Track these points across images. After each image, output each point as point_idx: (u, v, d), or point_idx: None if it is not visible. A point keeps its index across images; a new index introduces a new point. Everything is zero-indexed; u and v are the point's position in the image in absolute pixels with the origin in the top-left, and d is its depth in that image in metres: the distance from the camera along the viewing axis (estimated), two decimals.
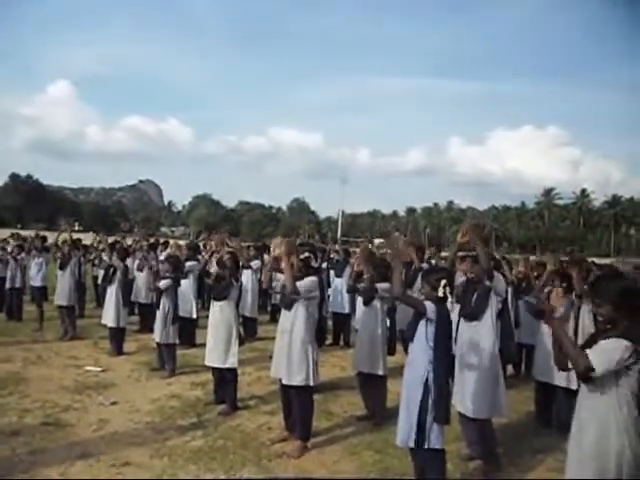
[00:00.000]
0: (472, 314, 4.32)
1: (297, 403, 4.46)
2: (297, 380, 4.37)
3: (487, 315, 4.27)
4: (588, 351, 2.46)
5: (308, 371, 4.38)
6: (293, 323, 4.43)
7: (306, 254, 4.51)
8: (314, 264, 4.55)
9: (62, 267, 8.74)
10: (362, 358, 5.20)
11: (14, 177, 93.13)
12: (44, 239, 10.39)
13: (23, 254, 10.07)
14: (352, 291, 6.07)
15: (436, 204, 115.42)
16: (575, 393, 5.08)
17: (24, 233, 12.91)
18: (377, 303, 5.18)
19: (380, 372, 5.11)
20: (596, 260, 12.53)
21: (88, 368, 6.70)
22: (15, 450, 4.21)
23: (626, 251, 78.03)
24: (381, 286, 5.06)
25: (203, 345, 7.78)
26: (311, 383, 4.42)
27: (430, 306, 3.37)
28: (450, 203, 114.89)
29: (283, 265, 4.29)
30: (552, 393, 5.22)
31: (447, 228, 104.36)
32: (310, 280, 4.42)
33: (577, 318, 5.45)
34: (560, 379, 5.05)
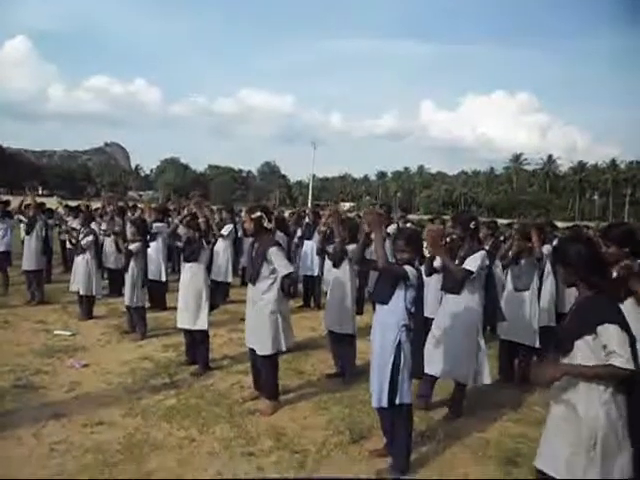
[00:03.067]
0: (451, 289, 4.50)
1: (263, 366, 4.54)
2: (266, 349, 4.43)
3: (467, 288, 4.41)
4: None
5: (277, 339, 4.44)
6: (260, 295, 4.46)
7: (258, 214, 4.48)
8: (267, 225, 4.52)
9: (28, 232, 8.55)
10: (332, 318, 5.31)
11: None
12: (6, 204, 10.11)
13: None
14: (321, 253, 6.13)
15: (407, 168, 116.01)
16: (536, 350, 5.39)
17: None
18: (347, 265, 5.26)
19: (350, 331, 5.24)
20: (561, 224, 12.92)
21: (57, 332, 6.66)
22: None
23: (589, 215, 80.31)
24: (351, 248, 5.13)
25: (174, 308, 7.81)
26: (282, 348, 4.50)
27: (411, 271, 3.42)
28: (421, 168, 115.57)
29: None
30: (515, 350, 5.46)
31: (417, 192, 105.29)
32: (276, 252, 4.39)
33: (541, 279, 5.68)
34: (524, 337, 5.30)
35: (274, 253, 4.37)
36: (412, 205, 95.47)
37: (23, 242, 8.66)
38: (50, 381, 4.98)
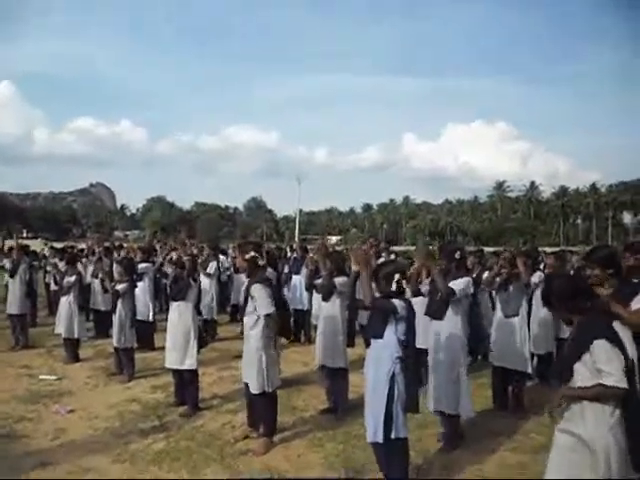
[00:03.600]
0: (434, 313, 4.54)
1: (259, 404, 4.48)
2: (254, 387, 4.40)
3: (450, 314, 4.45)
4: None
5: (262, 378, 4.37)
6: (249, 331, 4.46)
7: (252, 253, 4.49)
8: (260, 262, 4.54)
9: (12, 274, 8.43)
10: (325, 352, 5.25)
11: None
12: None
13: None
14: (310, 288, 6.12)
15: (392, 200, 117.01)
16: (529, 376, 5.37)
17: None
18: (336, 298, 5.24)
19: (342, 365, 5.18)
20: (547, 249, 13.05)
21: (42, 377, 6.51)
22: None
23: (573, 240, 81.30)
24: (339, 280, 5.13)
25: (162, 348, 7.70)
26: (267, 389, 4.41)
27: (400, 304, 3.43)
28: (406, 198, 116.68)
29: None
30: (508, 377, 5.42)
31: (404, 223, 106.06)
32: (256, 283, 4.40)
33: (530, 304, 5.72)
34: (516, 363, 5.28)
35: (257, 290, 4.37)
36: (398, 236, 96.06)
37: (7, 285, 8.53)
38: (34, 428, 4.84)
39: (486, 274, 6.13)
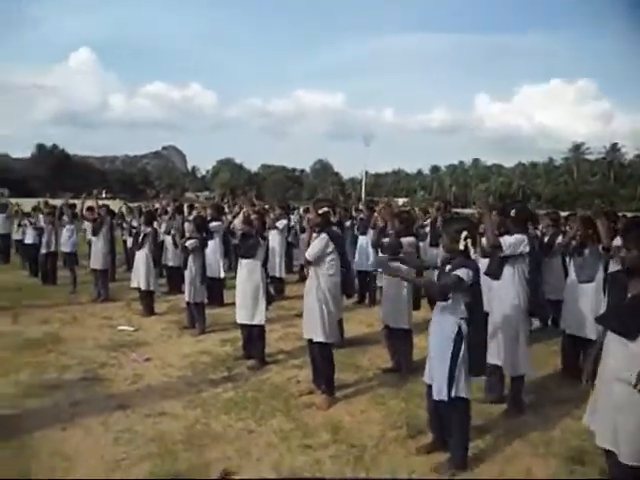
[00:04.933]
0: (493, 272, 4.43)
1: (319, 358, 4.58)
2: (315, 336, 4.48)
3: (507, 274, 4.33)
4: None
5: (324, 329, 4.44)
6: (311, 284, 4.52)
7: (325, 209, 4.50)
8: (333, 219, 4.54)
9: (95, 233, 8.96)
10: (388, 313, 5.26)
11: (40, 148, 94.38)
12: (73, 207, 10.62)
13: (55, 221, 10.31)
14: (376, 246, 6.08)
15: (461, 162, 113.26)
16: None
17: (53, 202, 13.16)
18: None
19: (405, 326, 5.18)
20: (628, 214, 12.24)
21: (121, 328, 6.94)
22: (57, 403, 4.44)
23: None
24: (406, 240, 5.07)
25: (231, 304, 7.97)
26: (328, 340, 4.49)
27: (465, 273, 3.32)
28: (476, 160, 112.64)
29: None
30: (580, 345, 5.22)
31: (473, 186, 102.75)
32: (317, 242, 4.42)
33: (606, 271, 5.41)
34: (587, 331, 5.06)
35: (318, 239, 4.41)
36: (467, 199, 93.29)
37: (89, 243, 9.06)
38: (115, 374, 5.20)
39: (560, 238, 5.86)
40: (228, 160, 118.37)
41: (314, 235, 4.53)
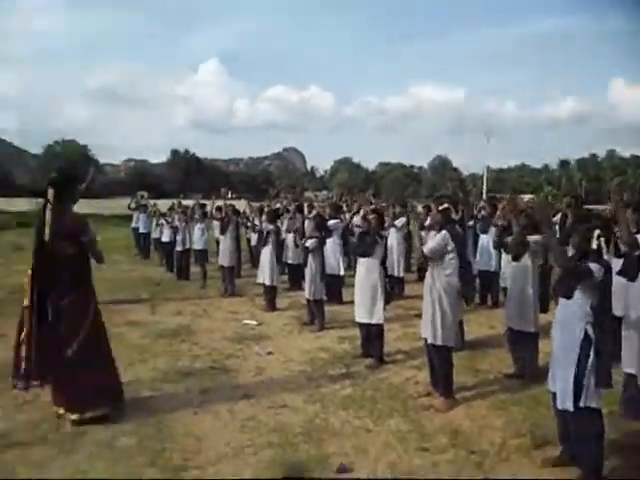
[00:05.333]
0: (629, 275, 4.02)
1: (436, 360, 4.48)
2: (431, 338, 4.40)
3: None
4: None
5: (440, 330, 4.36)
6: (428, 283, 4.43)
7: (445, 205, 4.39)
8: (454, 216, 4.42)
9: (223, 231, 9.55)
10: (512, 314, 5.01)
11: (174, 153, 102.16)
12: (204, 207, 11.37)
13: (188, 220, 11.13)
14: (498, 246, 5.82)
15: (594, 154, 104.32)
16: None
17: (185, 202, 14.19)
18: (527, 257, 4.92)
19: (531, 329, 4.90)
20: None
21: (246, 322, 7.32)
22: (189, 389, 4.79)
23: None
24: (532, 239, 4.79)
25: (349, 302, 8.05)
26: (443, 343, 4.38)
27: (596, 268, 3.12)
28: (610, 152, 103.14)
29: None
30: None
31: (607, 180, 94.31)
32: (438, 238, 4.32)
33: None
34: None
35: (439, 236, 4.32)
36: (601, 194, 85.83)
37: (217, 241, 9.67)
38: (240, 365, 5.49)
39: None
40: (346, 159, 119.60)
41: (431, 233, 4.45)
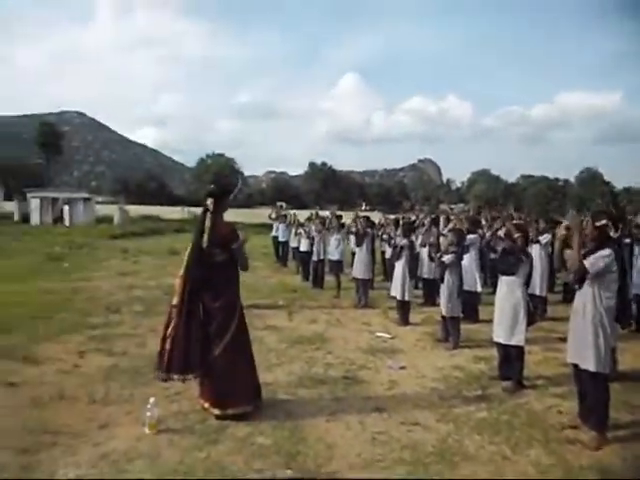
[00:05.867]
0: None
1: (590, 390, 4.10)
2: (589, 365, 4.03)
3: None
4: None
5: (599, 356, 3.98)
6: (584, 303, 4.08)
7: (603, 222, 4.05)
8: (612, 234, 4.06)
9: (359, 244, 9.70)
10: None
11: (312, 165, 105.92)
12: (340, 218, 11.65)
13: (324, 231, 11.49)
14: None
15: None
16: None
17: (322, 213, 14.64)
18: None
19: None
20: None
21: (379, 334, 7.33)
22: (322, 396, 4.91)
23: None
24: None
25: (486, 321, 7.74)
26: (603, 370, 4.01)
27: None
28: None
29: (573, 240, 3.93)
30: None
31: None
32: (600, 255, 3.97)
33: None
34: None
35: (598, 257, 3.98)
36: None
37: (353, 253, 9.83)
38: (372, 377, 5.51)
39: None
40: (484, 171, 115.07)
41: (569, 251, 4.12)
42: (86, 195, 33.78)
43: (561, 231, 4.33)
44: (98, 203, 38.37)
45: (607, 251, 3.99)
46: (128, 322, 7.60)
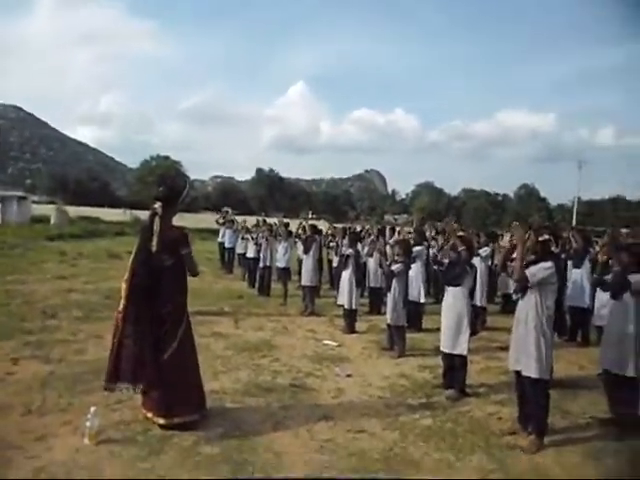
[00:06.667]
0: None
1: (531, 396, 4.27)
2: (531, 371, 4.19)
3: None
4: None
5: (541, 363, 4.17)
6: (527, 312, 4.26)
7: (545, 237, 4.25)
8: (553, 249, 4.27)
9: (306, 251, 9.71)
10: (609, 356, 4.71)
11: (259, 171, 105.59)
12: (287, 225, 11.63)
13: (271, 238, 11.43)
14: (598, 284, 5.53)
15: None
16: None
17: (268, 220, 14.56)
18: (628, 297, 4.63)
19: (631, 374, 4.58)
20: None
21: (325, 342, 7.35)
22: (269, 404, 4.87)
23: None
24: (635, 278, 4.51)
25: (429, 330, 7.95)
26: (544, 376, 4.19)
27: None
28: None
29: (516, 251, 4.12)
30: None
31: None
32: (541, 266, 4.16)
33: None
34: None
35: (539, 268, 4.17)
36: None
37: (299, 260, 9.83)
38: (319, 385, 5.52)
39: None
40: (427, 184, 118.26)
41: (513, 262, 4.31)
42: (21, 193, 32.21)
43: (505, 242, 4.51)
44: (34, 202, 36.65)
45: (549, 263, 4.20)
46: (66, 327, 7.27)
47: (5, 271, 12.19)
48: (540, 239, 4.28)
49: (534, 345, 4.18)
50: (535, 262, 4.24)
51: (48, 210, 32.01)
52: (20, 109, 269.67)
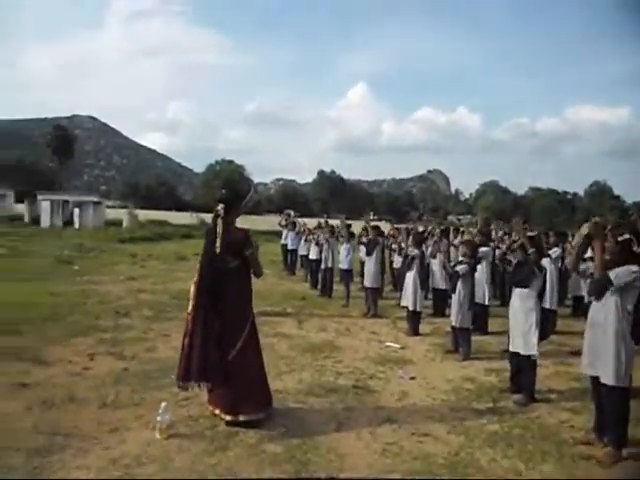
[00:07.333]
0: None
1: (609, 404, 4.05)
2: (608, 378, 3.97)
3: None
4: None
5: (620, 369, 3.93)
6: (605, 315, 4.03)
7: (625, 236, 4.01)
8: (636, 249, 4.01)
9: (369, 253, 9.68)
10: None
11: (321, 173, 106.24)
12: (349, 227, 11.63)
13: (333, 239, 11.47)
14: None
15: None
16: None
17: (330, 222, 14.64)
18: None
19: None
20: None
21: (388, 344, 7.30)
22: (332, 405, 4.88)
23: None
24: None
25: (495, 333, 7.72)
26: (623, 384, 3.96)
27: None
28: None
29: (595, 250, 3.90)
30: None
31: None
32: (628, 269, 3.93)
33: None
34: None
35: (624, 272, 3.92)
36: None
37: (362, 262, 9.81)
38: (383, 387, 5.47)
39: None
40: (492, 183, 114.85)
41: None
42: (96, 199, 34.01)
43: (578, 238, 4.27)
44: (108, 207, 38.58)
45: (635, 267, 3.92)
46: (137, 326, 7.61)
47: (82, 272, 12.91)
48: (619, 239, 4.02)
49: (613, 351, 3.95)
50: (617, 264, 3.99)
51: (120, 214, 33.67)
52: (95, 119, 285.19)
